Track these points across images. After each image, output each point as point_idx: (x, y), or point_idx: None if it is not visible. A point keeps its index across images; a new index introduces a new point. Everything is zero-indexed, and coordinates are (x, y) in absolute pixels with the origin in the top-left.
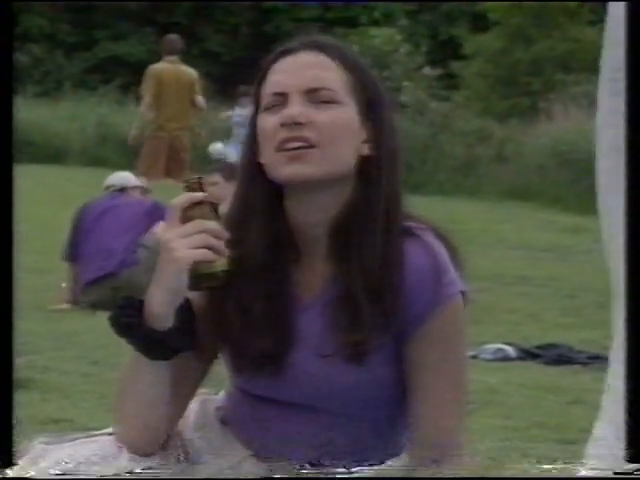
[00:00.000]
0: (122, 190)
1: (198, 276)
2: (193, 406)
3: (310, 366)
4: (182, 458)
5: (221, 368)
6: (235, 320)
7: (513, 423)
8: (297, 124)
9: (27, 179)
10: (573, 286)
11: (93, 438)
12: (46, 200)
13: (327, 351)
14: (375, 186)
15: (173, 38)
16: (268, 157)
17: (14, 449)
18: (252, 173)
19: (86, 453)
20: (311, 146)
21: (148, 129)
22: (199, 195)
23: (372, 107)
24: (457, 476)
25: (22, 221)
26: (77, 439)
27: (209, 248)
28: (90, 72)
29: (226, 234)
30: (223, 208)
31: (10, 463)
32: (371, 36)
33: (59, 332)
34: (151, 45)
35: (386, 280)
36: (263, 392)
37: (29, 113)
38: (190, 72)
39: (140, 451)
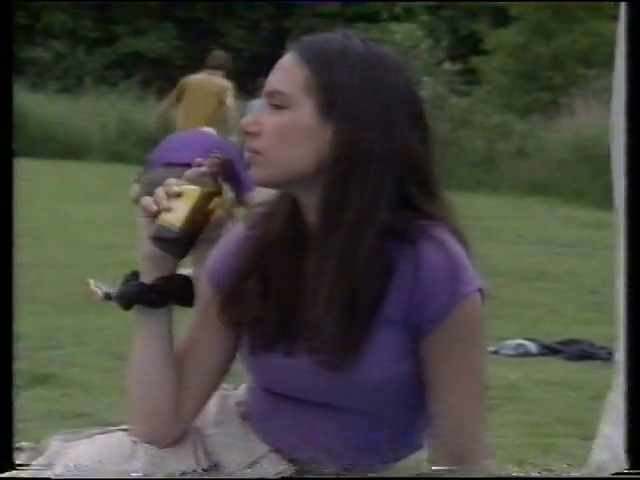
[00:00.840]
0: None
1: (154, 233)
2: (213, 402)
3: (315, 363)
4: (201, 454)
5: (239, 363)
6: (256, 295)
7: (534, 419)
8: (248, 133)
9: (48, 175)
10: (594, 282)
11: (110, 434)
12: (67, 195)
13: (323, 358)
14: (340, 184)
15: (218, 54)
16: None
17: (14, 450)
18: None
19: (103, 450)
20: (258, 152)
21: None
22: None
23: (336, 106)
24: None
25: (43, 216)
26: (94, 435)
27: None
28: (111, 68)
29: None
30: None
31: (10, 463)
32: (392, 31)
33: (80, 327)
34: (171, 41)
35: (356, 281)
36: (279, 389)
37: (50, 109)
38: (223, 82)
39: (152, 439)
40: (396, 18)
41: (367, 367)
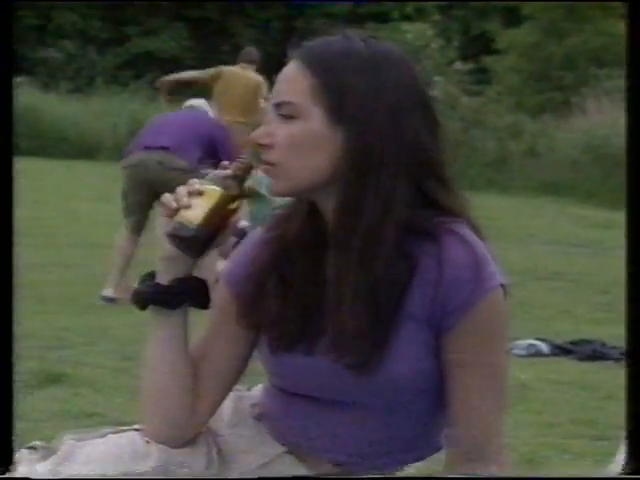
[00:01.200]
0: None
1: (172, 230)
2: (227, 403)
3: (333, 363)
4: (214, 455)
5: (254, 364)
6: (276, 295)
7: (546, 419)
8: (261, 145)
9: (59, 174)
10: (606, 281)
11: (122, 434)
12: (78, 195)
13: (345, 360)
14: (354, 186)
15: (251, 50)
16: None
17: (14, 450)
18: None
19: (115, 449)
20: (273, 164)
21: None
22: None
23: (345, 110)
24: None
25: (55, 216)
26: (106, 434)
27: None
28: (122, 68)
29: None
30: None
31: (10, 463)
32: (403, 31)
33: (91, 327)
34: (182, 40)
35: (378, 280)
36: (300, 389)
37: (62, 109)
38: (258, 77)
39: (165, 439)
40: (407, 18)
41: (391, 365)
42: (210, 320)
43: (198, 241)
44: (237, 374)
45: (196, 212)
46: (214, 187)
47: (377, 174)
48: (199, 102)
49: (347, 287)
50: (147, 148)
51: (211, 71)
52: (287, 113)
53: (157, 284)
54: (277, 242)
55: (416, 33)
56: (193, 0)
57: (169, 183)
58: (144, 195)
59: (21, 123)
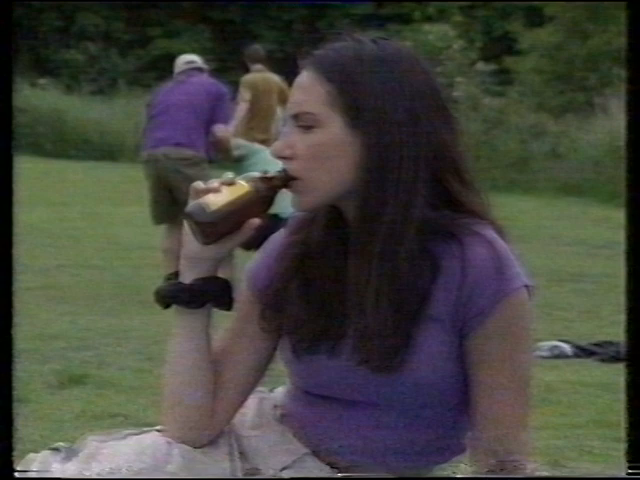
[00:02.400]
0: (200, 69)
1: (192, 205)
2: (250, 404)
3: (355, 366)
4: (236, 456)
5: (276, 365)
6: (299, 299)
7: (570, 421)
8: (283, 158)
9: (83, 176)
10: None
11: (144, 435)
12: (101, 197)
13: (369, 362)
14: (375, 189)
15: (256, 48)
16: None
17: (13, 450)
18: None
19: (137, 450)
20: (295, 178)
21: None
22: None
23: (363, 114)
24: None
25: (78, 217)
26: (128, 435)
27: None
28: (144, 70)
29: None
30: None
31: (10, 464)
32: (425, 32)
33: (115, 327)
34: (205, 42)
35: (401, 282)
36: (322, 390)
37: (85, 111)
38: (277, 79)
39: (186, 439)
40: (429, 19)
41: (415, 366)
42: (232, 321)
43: (211, 227)
44: (258, 376)
45: (218, 198)
46: (245, 183)
47: (397, 175)
48: (192, 58)
49: (370, 289)
50: (154, 147)
51: (246, 96)
52: (306, 124)
53: (179, 283)
54: (299, 246)
55: (438, 34)
56: (216, 1)
57: (177, 174)
58: (161, 189)
59: (44, 125)
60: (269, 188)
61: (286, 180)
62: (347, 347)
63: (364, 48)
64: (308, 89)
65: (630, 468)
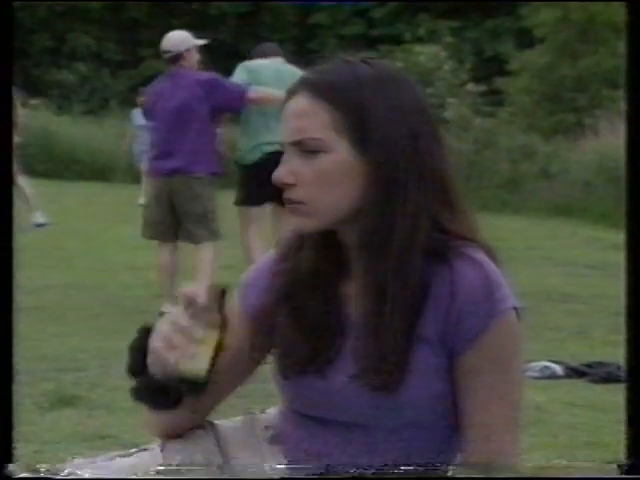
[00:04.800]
0: (178, 57)
1: (179, 378)
2: (240, 425)
3: (351, 386)
4: (215, 449)
5: (266, 385)
6: (288, 325)
7: (560, 442)
8: (286, 184)
9: (74, 196)
10: (620, 303)
11: (130, 456)
12: (93, 217)
13: (362, 372)
14: (383, 214)
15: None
16: None
17: (13, 448)
18: None
19: (119, 468)
20: (301, 203)
21: None
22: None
23: (370, 138)
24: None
25: (69, 238)
26: (117, 457)
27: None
28: (136, 90)
29: (200, 337)
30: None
31: (9, 461)
32: (416, 53)
33: (106, 348)
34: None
35: (406, 302)
36: (314, 411)
37: (76, 131)
38: None
39: (160, 434)
40: (420, 40)
41: (408, 388)
42: None
43: (204, 387)
44: (239, 383)
45: (200, 363)
46: (211, 332)
47: (404, 198)
48: (174, 41)
49: (380, 310)
50: (167, 175)
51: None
52: (312, 149)
53: (151, 379)
54: (288, 274)
55: (429, 55)
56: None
57: (187, 193)
58: (165, 206)
59: (35, 145)
60: (217, 313)
61: (222, 294)
62: (337, 369)
63: (358, 69)
64: (310, 114)
65: None
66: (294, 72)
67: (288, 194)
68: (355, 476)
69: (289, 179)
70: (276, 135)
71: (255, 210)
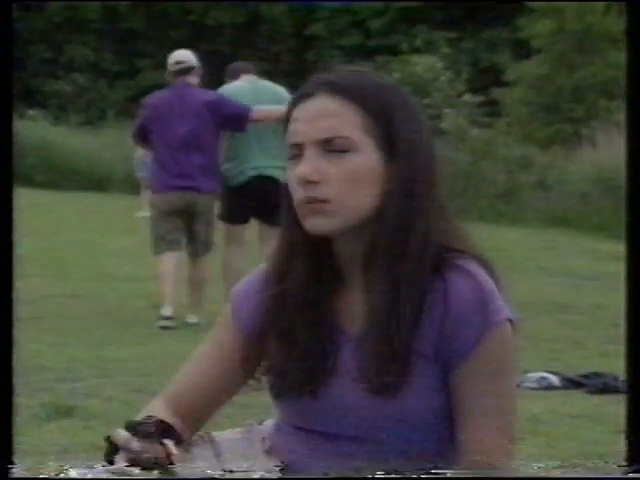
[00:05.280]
0: (186, 72)
1: None
2: (238, 436)
3: (354, 397)
4: (213, 460)
5: (264, 398)
6: (278, 349)
7: (557, 452)
8: (310, 182)
9: (71, 207)
10: (617, 314)
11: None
12: (90, 227)
13: (365, 382)
14: (403, 218)
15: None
16: (295, 207)
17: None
18: (294, 215)
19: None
20: (326, 201)
21: None
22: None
23: (394, 142)
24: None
25: (67, 248)
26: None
27: None
28: (133, 100)
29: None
30: None
31: (10, 460)
32: (413, 64)
33: (102, 359)
34: None
35: (427, 308)
36: (309, 425)
37: (73, 141)
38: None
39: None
40: (417, 50)
41: (404, 400)
42: (209, 341)
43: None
44: (234, 393)
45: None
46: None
47: (421, 202)
48: (186, 55)
49: (392, 316)
50: (174, 191)
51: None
52: (340, 148)
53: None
54: (277, 300)
55: (426, 66)
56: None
57: (194, 208)
58: (174, 221)
59: (33, 156)
60: (158, 441)
61: (158, 425)
62: (333, 385)
63: (378, 76)
64: (339, 114)
65: None
66: (273, 87)
67: (312, 192)
68: (355, 476)
69: (314, 177)
70: (259, 160)
71: (237, 228)
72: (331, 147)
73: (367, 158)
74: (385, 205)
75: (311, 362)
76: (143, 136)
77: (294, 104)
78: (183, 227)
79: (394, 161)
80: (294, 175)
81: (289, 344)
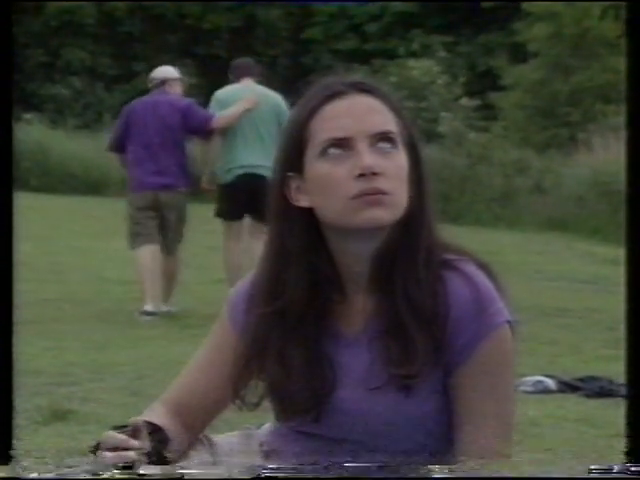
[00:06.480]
0: (163, 83)
1: None
2: (236, 440)
3: (357, 401)
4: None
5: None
6: (277, 372)
7: (553, 456)
8: (374, 174)
9: (68, 210)
10: (613, 318)
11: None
12: (86, 231)
13: (375, 384)
14: (417, 221)
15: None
16: (338, 204)
17: (13, 446)
18: (289, 218)
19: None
20: (387, 193)
21: None
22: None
23: (413, 148)
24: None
25: (63, 252)
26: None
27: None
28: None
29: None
30: None
31: (8, 458)
32: (409, 68)
33: (99, 363)
34: (190, 77)
35: (432, 310)
36: (310, 429)
37: (70, 145)
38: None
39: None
40: (414, 54)
41: (406, 405)
42: (205, 347)
43: None
44: (226, 405)
45: None
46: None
47: (429, 202)
48: (168, 71)
49: (400, 313)
50: (155, 189)
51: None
52: (389, 143)
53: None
54: (274, 317)
55: (422, 70)
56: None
57: (170, 204)
58: (150, 216)
59: (29, 160)
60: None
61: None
62: (333, 396)
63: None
64: (384, 112)
65: None
66: (266, 92)
67: (376, 183)
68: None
69: (376, 168)
70: (245, 159)
71: (234, 224)
72: (380, 142)
73: (404, 157)
74: (409, 207)
75: (312, 384)
76: (120, 146)
77: (321, 103)
78: (157, 222)
79: (413, 164)
80: (347, 170)
81: (287, 367)
